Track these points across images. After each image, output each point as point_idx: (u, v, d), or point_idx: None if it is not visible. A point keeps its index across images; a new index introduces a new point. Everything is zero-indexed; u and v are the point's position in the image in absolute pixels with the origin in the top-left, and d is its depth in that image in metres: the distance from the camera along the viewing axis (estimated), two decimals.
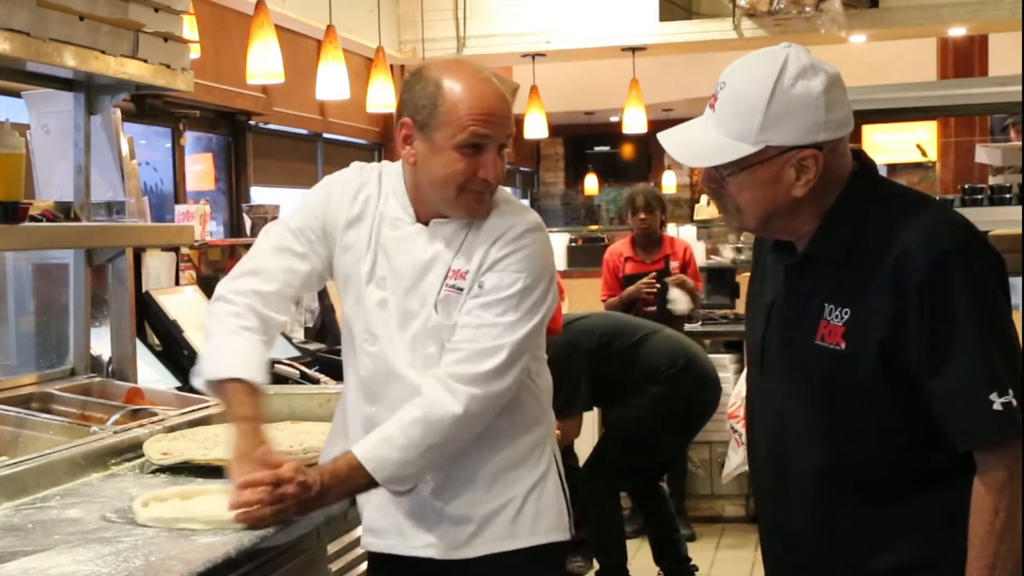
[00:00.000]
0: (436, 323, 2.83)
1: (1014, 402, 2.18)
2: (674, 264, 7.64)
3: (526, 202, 18.37)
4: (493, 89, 2.79)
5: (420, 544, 2.90)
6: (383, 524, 2.94)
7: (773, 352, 2.48)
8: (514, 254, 2.81)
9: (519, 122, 11.46)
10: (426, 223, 2.88)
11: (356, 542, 3.33)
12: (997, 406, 2.18)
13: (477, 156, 2.76)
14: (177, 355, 5.03)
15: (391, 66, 8.17)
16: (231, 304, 2.93)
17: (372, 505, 2.96)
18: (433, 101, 2.76)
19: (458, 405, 2.73)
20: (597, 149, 20.00)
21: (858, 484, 2.35)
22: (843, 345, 2.30)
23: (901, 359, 2.25)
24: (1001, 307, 2.25)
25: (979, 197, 5.58)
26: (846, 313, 2.30)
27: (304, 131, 8.73)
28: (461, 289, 2.82)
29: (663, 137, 2.41)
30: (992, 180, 5.81)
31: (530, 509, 2.90)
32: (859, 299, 2.29)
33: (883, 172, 15.64)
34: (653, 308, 7.44)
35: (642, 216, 7.57)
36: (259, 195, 8.06)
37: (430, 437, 2.73)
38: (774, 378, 2.47)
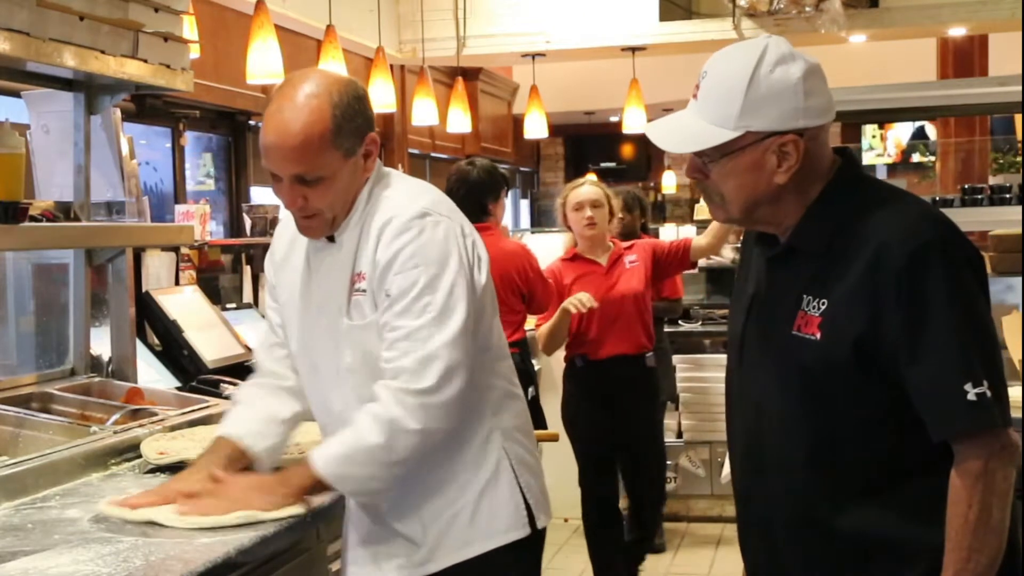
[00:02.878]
0: (347, 327, 2.82)
1: (988, 393, 2.20)
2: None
3: (526, 202, 18.37)
4: (275, 122, 2.73)
5: (391, 568, 2.90)
6: (360, 555, 2.96)
7: (752, 344, 2.50)
8: (403, 250, 2.74)
9: (519, 122, 11.45)
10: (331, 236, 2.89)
11: None
12: (971, 397, 2.19)
13: (276, 184, 2.80)
14: (177, 355, 5.04)
15: (391, 66, 8.16)
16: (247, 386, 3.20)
17: (351, 537, 2.99)
18: None
19: (416, 422, 2.68)
20: (597, 150, 20.00)
21: (836, 473, 2.35)
22: (818, 335, 2.31)
23: (876, 349, 2.26)
24: (978, 300, 2.27)
25: (979, 197, 5.58)
26: (823, 303, 2.32)
27: None
28: (364, 290, 2.80)
29: (649, 128, 2.44)
30: (992, 180, 5.81)
31: (484, 511, 2.87)
32: (836, 289, 2.31)
33: (883, 172, 15.65)
34: None
35: (620, 216, 7.05)
36: (259, 195, 8.05)
37: (394, 455, 2.71)
38: (752, 370, 2.49)
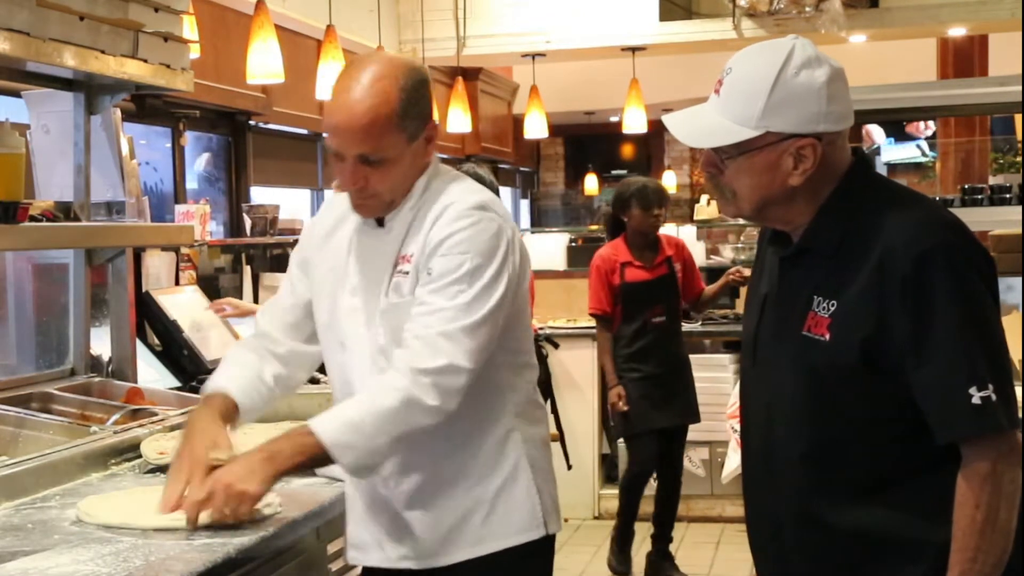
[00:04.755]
0: (385, 306, 2.84)
1: (993, 397, 2.21)
2: (677, 266, 6.80)
3: (526, 202, 18.38)
4: (342, 102, 2.77)
5: (397, 556, 2.90)
6: (364, 538, 2.95)
7: (764, 344, 2.51)
8: (456, 235, 2.77)
9: (519, 122, 11.45)
10: (381, 222, 2.91)
11: None
12: (976, 400, 2.20)
13: (338, 164, 2.81)
14: (177, 355, 5.04)
15: None
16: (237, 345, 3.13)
17: (354, 520, 2.98)
18: None
19: (431, 399, 2.69)
20: (597, 150, 20.03)
21: (842, 472, 2.37)
22: (827, 336, 2.33)
23: (884, 352, 2.28)
24: (984, 303, 2.28)
25: (979, 197, 5.59)
26: (832, 305, 2.33)
27: (304, 131, 8.72)
28: (407, 272, 2.82)
29: (668, 119, 2.45)
30: (992, 180, 5.81)
31: (500, 510, 2.87)
32: (845, 291, 2.32)
33: (882, 172, 15.65)
34: (662, 318, 6.70)
35: (656, 212, 6.60)
36: (259, 195, 8.06)
37: (402, 427, 2.70)
38: (764, 369, 2.51)
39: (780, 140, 2.33)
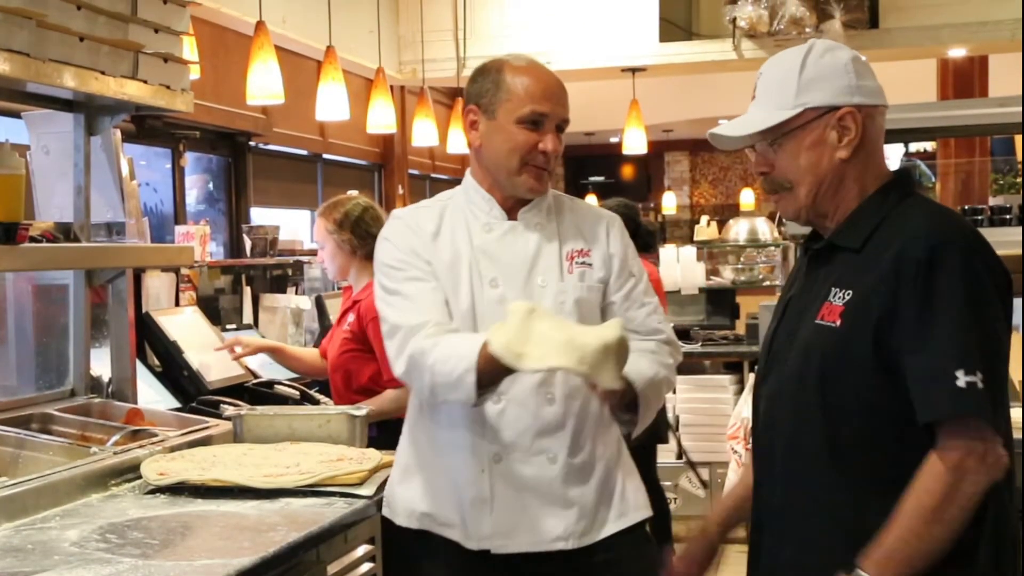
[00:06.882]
0: (578, 297, 3.03)
1: (979, 384, 2.22)
2: None
3: None
4: (549, 73, 3.05)
5: (550, 539, 2.97)
6: (514, 525, 2.96)
7: (780, 339, 2.55)
8: (630, 245, 3.18)
9: None
10: (512, 216, 3.08)
11: (356, 562, 3.33)
12: (961, 383, 2.22)
13: (536, 131, 3.00)
14: (177, 376, 5.04)
15: (391, 87, 8.17)
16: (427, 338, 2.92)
17: (502, 507, 2.97)
18: (496, 84, 3.02)
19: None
20: (597, 170, 20.04)
21: (845, 468, 2.37)
22: (838, 323, 2.36)
23: (889, 337, 2.30)
24: (989, 301, 2.30)
25: (979, 218, 5.59)
26: (848, 294, 2.37)
27: (304, 152, 8.74)
28: (591, 264, 3.07)
29: (712, 132, 2.56)
30: (992, 201, 5.82)
31: (630, 485, 3.08)
32: (861, 280, 2.36)
33: None
34: None
35: None
36: (259, 216, 8.06)
37: (672, 381, 3.12)
38: (775, 362, 2.54)
39: (820, 115, 2.43)
